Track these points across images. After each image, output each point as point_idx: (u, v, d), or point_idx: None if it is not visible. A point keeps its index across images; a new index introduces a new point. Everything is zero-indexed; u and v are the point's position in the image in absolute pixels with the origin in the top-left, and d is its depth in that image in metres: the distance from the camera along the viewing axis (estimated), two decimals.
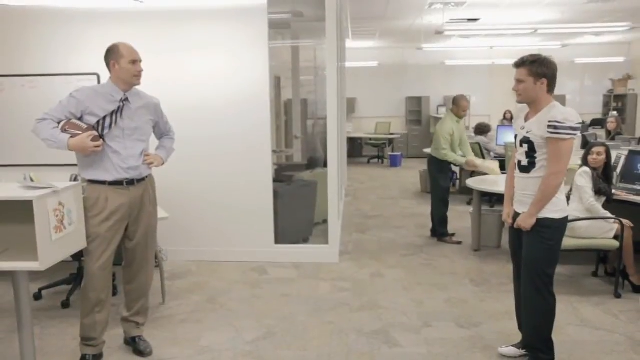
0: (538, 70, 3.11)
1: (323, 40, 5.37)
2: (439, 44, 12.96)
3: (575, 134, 3.12)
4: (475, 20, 9.95)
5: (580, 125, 3.13)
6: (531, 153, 3.21)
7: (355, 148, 14.50)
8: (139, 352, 3.53)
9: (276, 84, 9.22)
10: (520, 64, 3.18)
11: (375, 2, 8.49)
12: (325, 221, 5.59)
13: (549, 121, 3.09)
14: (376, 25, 10.94)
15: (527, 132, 3.22)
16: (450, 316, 4.19)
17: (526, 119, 3.29)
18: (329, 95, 5.45)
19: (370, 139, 14.31)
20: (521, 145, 3.28)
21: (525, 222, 3.20)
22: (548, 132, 3.09)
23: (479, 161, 6.54)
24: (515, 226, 3.31)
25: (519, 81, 3.19)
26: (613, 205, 4.79)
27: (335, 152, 5.46)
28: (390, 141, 14.18)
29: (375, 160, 14.23)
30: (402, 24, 10.59)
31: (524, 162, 3.26)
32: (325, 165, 5.60)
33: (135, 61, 3.27)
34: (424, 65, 14.75)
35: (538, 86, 3.13)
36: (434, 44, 12.88)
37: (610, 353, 3.57)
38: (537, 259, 3.24)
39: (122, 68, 3.25)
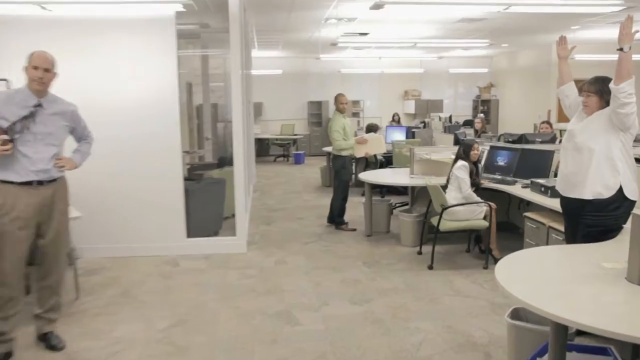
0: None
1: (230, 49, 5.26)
2: (335, 54, 13.13)
3: None
4: (365, 34, 10.15)
5: None
6: None
7: (262, 148, 14.36)
8: (51, 346, 3.29)
9: (188, 89, 8.93)
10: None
11: (277, 15, 8.44)
12: (234, 215, 5.49)
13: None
14: (279, 37, 10.90)
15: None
16: (345, 295, 4.23)
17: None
18: (234, 100, 5.35)
19: (276, 140, 14.24)
20: None
21: None
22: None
23: (367, 136, 6.67)
24: None
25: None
26: (480, 191, 5.06)
27: (241, 151, 5.38)
28: (294, 141, 14.18)
29: (281, 158, 14.21)
30: (302, 36, 10.61)
31: None
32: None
33: (37, 67, 3.03)
34: (322, 73, 14.84)
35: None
36: (331, 54, 13.04)
37: (477, 316, 3.76)
38: None
39: (27, 73, 3.04)
